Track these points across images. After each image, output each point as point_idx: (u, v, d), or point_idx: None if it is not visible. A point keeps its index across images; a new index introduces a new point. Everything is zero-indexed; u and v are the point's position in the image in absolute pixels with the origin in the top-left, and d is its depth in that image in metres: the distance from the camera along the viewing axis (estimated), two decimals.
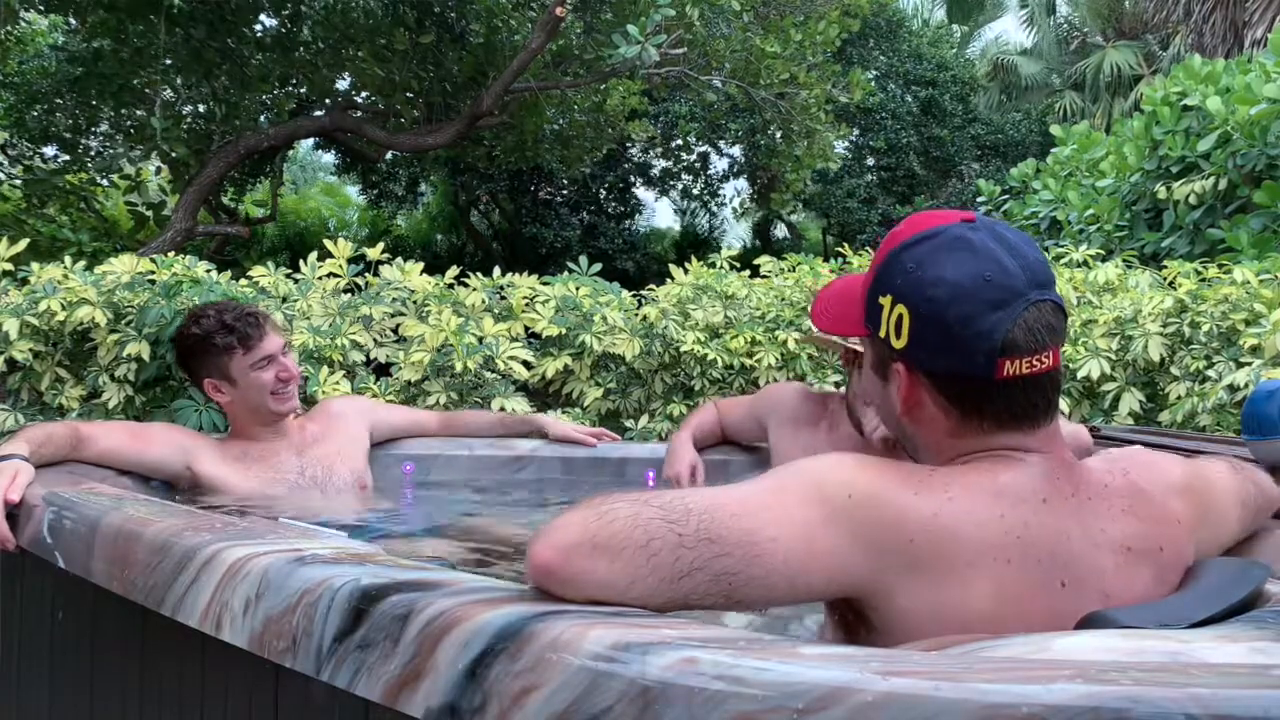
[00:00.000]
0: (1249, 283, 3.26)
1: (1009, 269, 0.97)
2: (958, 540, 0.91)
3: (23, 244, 3.27)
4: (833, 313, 1.15)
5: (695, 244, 15.10)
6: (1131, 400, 3.20)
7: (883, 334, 1.03)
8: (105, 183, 8.85)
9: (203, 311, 2.18)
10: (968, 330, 0.96)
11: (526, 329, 3.39)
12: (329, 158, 14.20)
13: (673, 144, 14.07)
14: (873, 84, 10.38)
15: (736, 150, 14.55)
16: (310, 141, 11.85)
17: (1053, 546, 0.94)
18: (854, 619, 0.96)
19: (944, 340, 0.98)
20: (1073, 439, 1.54)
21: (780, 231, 17.66)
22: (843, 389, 2.18)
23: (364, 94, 9.50)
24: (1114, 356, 3.28)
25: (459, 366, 3.07)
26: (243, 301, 2.28)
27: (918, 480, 0.94)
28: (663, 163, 14.75)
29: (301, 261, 3.45)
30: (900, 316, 1.00)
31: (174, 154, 8.34)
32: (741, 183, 15.73)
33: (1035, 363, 0.97)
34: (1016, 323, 0.96)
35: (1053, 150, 7.81)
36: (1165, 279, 3.68)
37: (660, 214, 17.78)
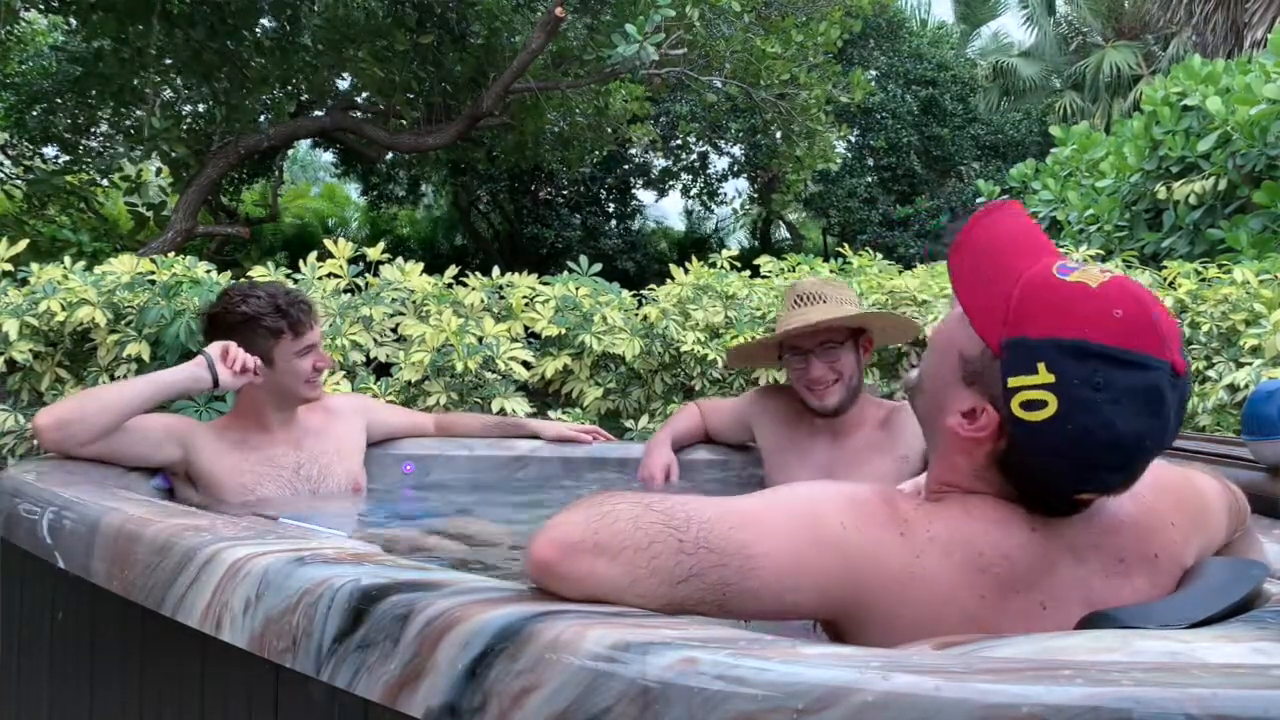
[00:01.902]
0: (1249, 283, 3.26)
1: (1162, 440, 0.94)
2: (935, 581, 0.92)
3: (23, 244, 3.26)
4: (981, 287, 0.98)
5: (696, 244, 15.11)
6: None
7: (1011, 387, 0.93)
8: (105, 183, 8.85)
9: (250, 291, 2.13)
10: (1088, 470, 0.94)
11: (526, 329, 3.39)
12: (329, 157, 14.20)
13: (672, 143, 14.08)
14: (873, 84, 10.38)
15: (736, 150, 14.56)
16: (310, 141, 11.85)
17: (1035, 575, 0.95)
18: (834, 641, 0.98)
19: (1060, 459, 0.93)
20: None
21: (780, 231, 17.66)
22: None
23: (364, 94, 9.50)
24: None
25: (459, 367, 3.06)
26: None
27: (904, 519, 0.95)
28: (662, 162, 14.77)
29: (301, 261, 3.45)
30: (1044, 404, 0.92)
31: (174, 154, 8.35)
32: (742, 182, 15.74)
33: None
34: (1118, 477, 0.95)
35: (1052, 150, 7.81)
36: (1165, 279, 3.68)
37: (663, 214, 17.80)
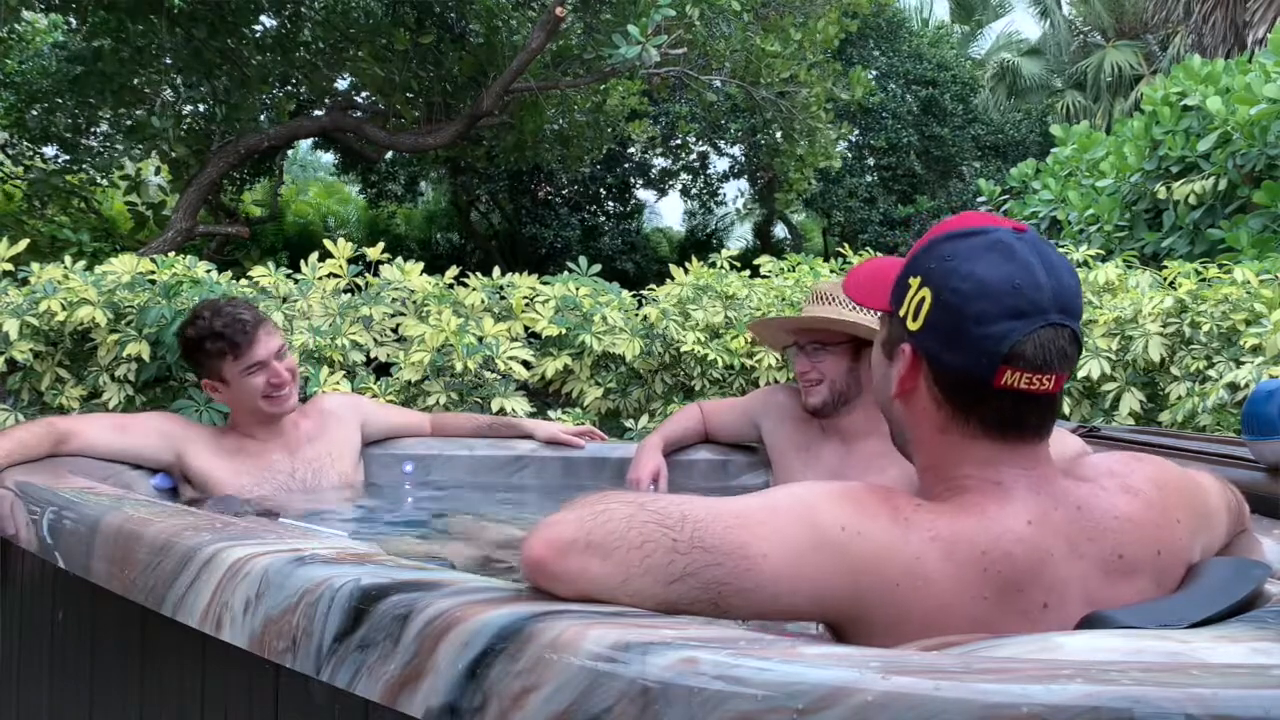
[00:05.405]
0: (1249, 283, 3.26)
1: (1040, 283, 0.97)
2: (938, 584, 0.92)
3: (23, 244, 3.27)
4: (864, 284, 1.16)
5: (697, 245, 15.11)
6: (1132, 400, 3.20)
7: (902, 313, 1.04)
8: (105, 182, 8.84)
9: (199, 313, 2.20)
10: (980, 330, 0.97)
11: (526, 329, 3.39)
12: (329, 157, 14.19)
13: (672, 143, 14.08)
14: (873, 83, 10.35)
15: (736, 150, 14.55)
16: (310, 141, 11.85)
17: (1036, 571, 0.95)
18: (835, 641, 0.97)
19: (955, 333, 0.98)
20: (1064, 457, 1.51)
21: (781, 231, 17.66)
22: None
23: (364, 94, 9.50)
24: (1114, 356, 3.28)
25: (459, 366, 3.07)
26: (244, 300, 2.29)
27: (905, 519, 0.94)
28: (662, 162, 14.76)
29: (302, 261, 3.45)
30: (922, 300, 1.01)
31: (174, 154, 8.34)
32: (742, 183, 15.74)
33: (1036, 381, 0.97)
34: (1030, 336, 0.96)
35: (1053, 150, 7.79)
36: (1165, 279, 3.68)
37: (665, 215, 17.81)
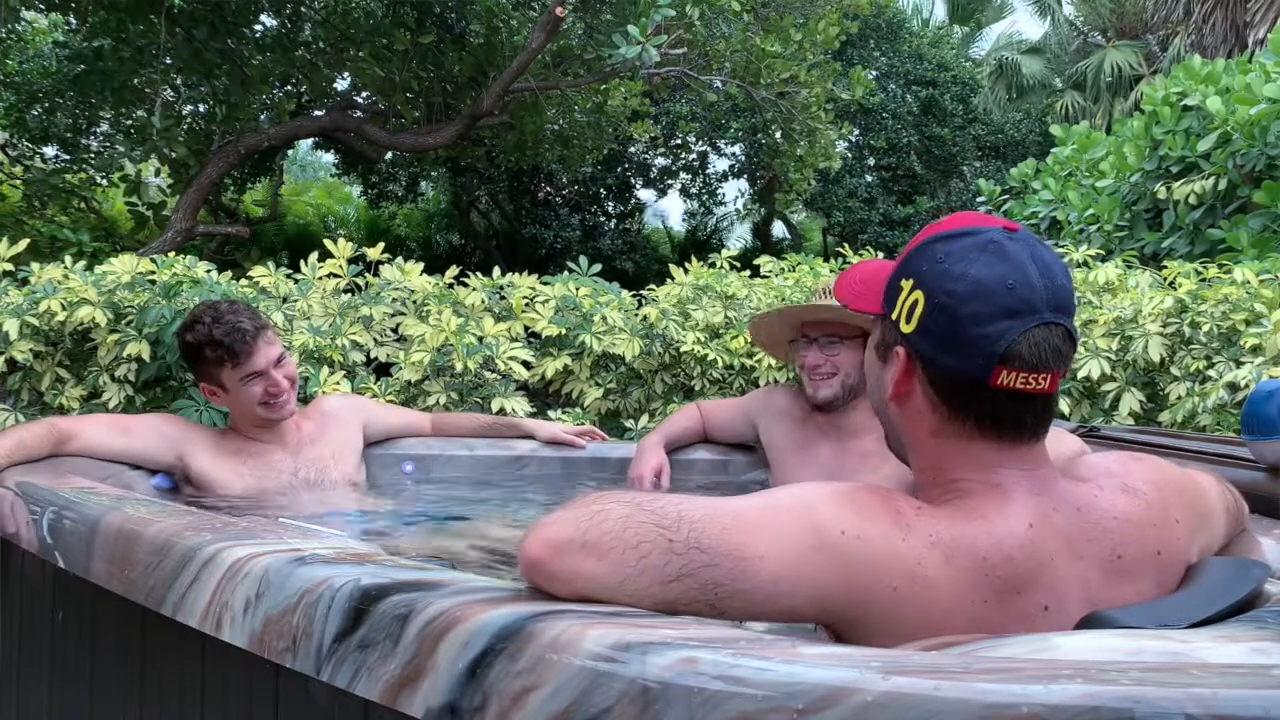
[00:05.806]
0: (1249, 283, 3.26)
1: (1033, 283, 0.98)
2: (938, 588, 0.92)
3: (23, 244, 3.27)
4: (856, 288, 1.16)
5: (697, 244, 15.10)
6: (1131, 400, 3.20)
7: (895, 315, 1.04)
8: (105, 183, 8.84)
9: (199, 317, 2.18)
10: (975, 330, 0.97)
11: (526, 329, 3.39)
12: (329, 157, 14.19)
13: (672, 143, 14.07)
14: (873, 83, 10.33)
15: (736, 150, 14.55)
16: (310, 141, 11.85)
17: (1036, 574, 0.95)
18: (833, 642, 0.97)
19: (950, 334, 0.99)
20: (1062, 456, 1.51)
21: (780, 231, 17.66)
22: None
23: (364, 94, 9.51)
24: (1114, 356, 3.28)
25: (459, 366, 3.07)
26: (243, 303, 2.28)
27: (906, 523, 0.94)
28: (662, 162, 14.76)
29: (302, 261, 3.45)
30: (915, 302, 1.01)
31: (174, 154, 8.34)
32: (742, 183, 15.73)
33: (1031, 380, 0.97)
34: (1024, 335, 0.96)
35: (1053, 150, 7.80)
36: (1165, 279, 3.68)
37: (663, 214, 17.79)
